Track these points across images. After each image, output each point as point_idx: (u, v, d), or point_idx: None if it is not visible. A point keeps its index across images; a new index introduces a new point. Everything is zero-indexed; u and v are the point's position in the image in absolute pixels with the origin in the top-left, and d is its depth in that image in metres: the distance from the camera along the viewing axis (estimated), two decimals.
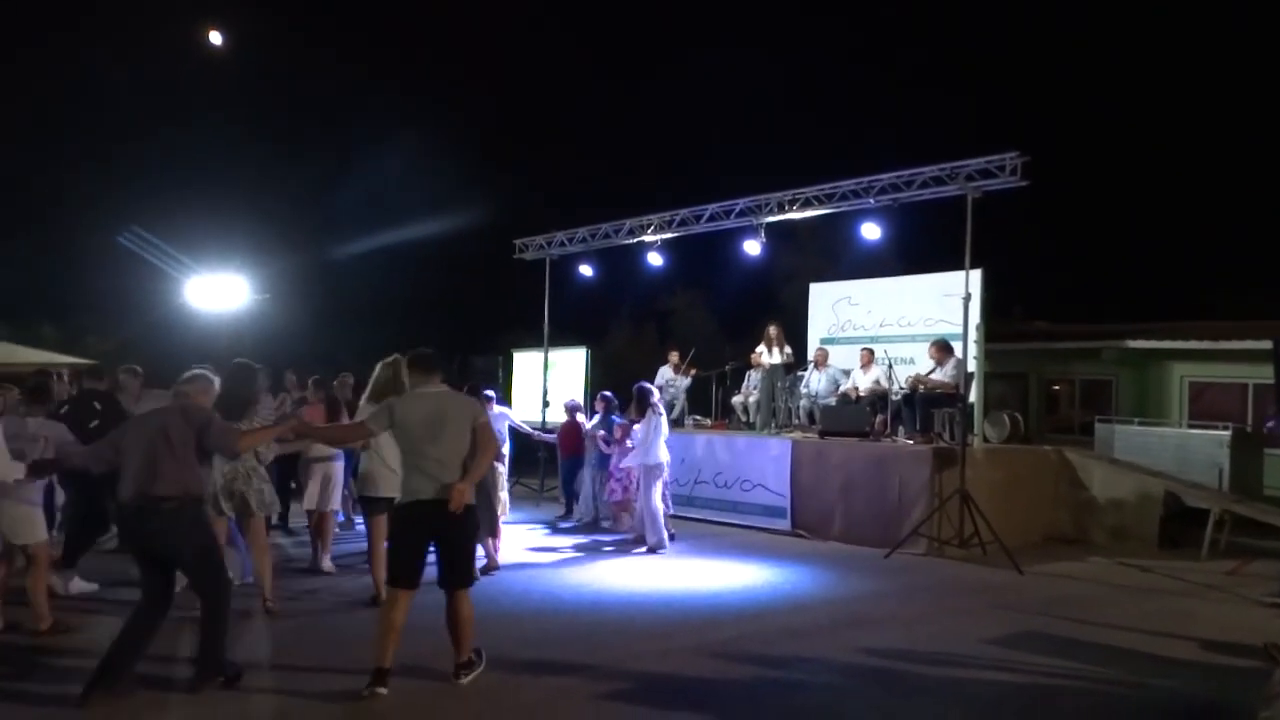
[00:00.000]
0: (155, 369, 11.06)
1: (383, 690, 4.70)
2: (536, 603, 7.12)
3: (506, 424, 10.90)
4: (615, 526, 10.83)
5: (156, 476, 4.65)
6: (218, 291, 19.58)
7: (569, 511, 11.87)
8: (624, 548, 9.70)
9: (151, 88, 35.93)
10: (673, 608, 7.03)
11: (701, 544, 9.92)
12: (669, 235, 13.92)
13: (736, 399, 13.88)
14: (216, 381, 5.29)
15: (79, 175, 32.99)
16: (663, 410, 10.02)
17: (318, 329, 27.83)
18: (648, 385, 10.18)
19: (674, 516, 10.43)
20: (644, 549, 9.51)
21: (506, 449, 10.48)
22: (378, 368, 6.84)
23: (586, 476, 11.47)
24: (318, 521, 8.10)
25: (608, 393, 11.50)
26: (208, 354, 14.20)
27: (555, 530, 11.04)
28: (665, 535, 9.66)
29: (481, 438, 4.95)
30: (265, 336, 23.02)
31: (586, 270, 15.69)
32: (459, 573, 4.93)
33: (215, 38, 25.37)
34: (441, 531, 4.84)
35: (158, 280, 22.89)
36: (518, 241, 16.15)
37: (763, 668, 5.56)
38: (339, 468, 8.18)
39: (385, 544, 6.78)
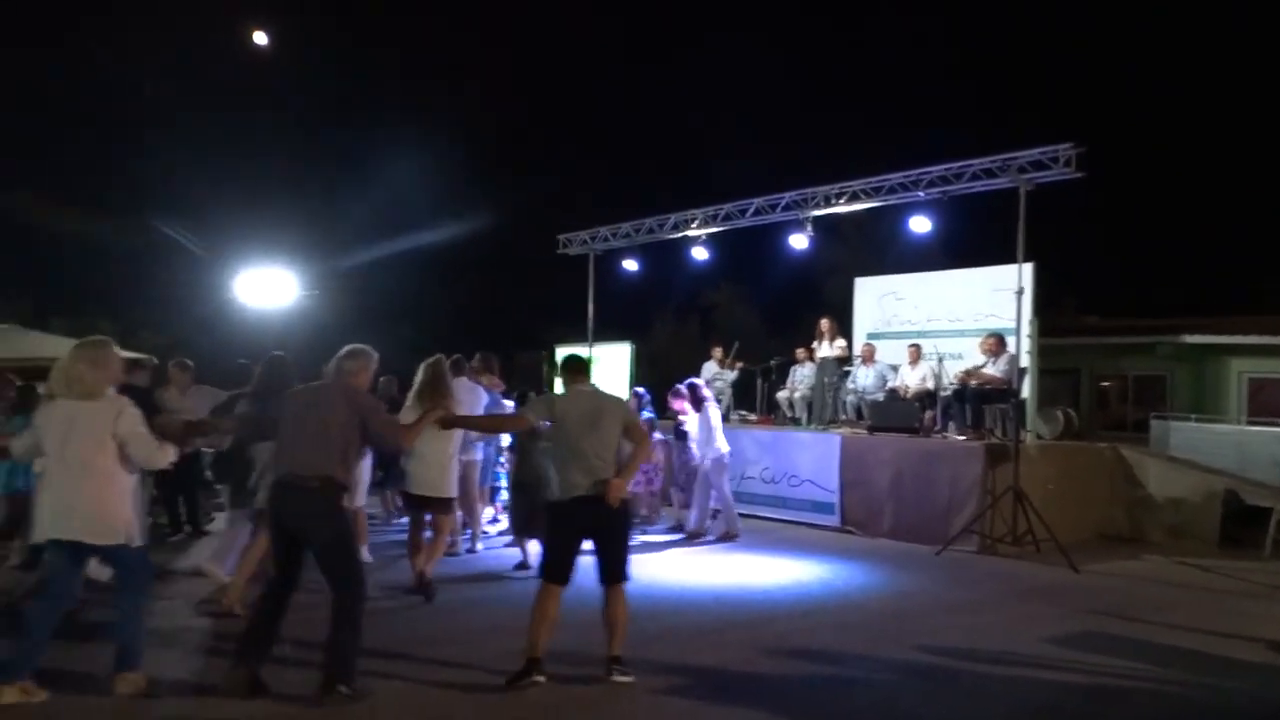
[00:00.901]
0: (205, 363, 11.26)
1: (541, 678, 4.82)
2: (585, 597, 7.13)
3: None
4: (648, 520, 10.75)
5: (303, 455, 4.66)
6: (266, 288, 19.87)
7: None
8: (670, 543, 9.71)
9: (201, 88, 36.56)
10: (724, 603, 7.02)
11: (750, 539, 9.88)
12: (714, 230, 13.88)
13: (782, 394, 13.80)
14: (375, 358, 5.14)
15: (131, 173, 33.69)
16: (714, 402, 10.08)
17: (362, 325, 28.04)
18: (696, 380, 10.27)
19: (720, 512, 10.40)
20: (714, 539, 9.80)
21: None
22: (421, 368, 6.95)
23: None
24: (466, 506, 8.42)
25: (640, 389, 11.61)
26: (256, 349, 14.42)
27: None
28: (708, 523, 9.97)
29: (636, 435, 5.15)
30: (312, 333, 23.34)
31: (631, 265, 15.66)
32: (615, 567, 5.02)
33: (260, 38, 25.69)
34: (597, 527, 4.97)
35: (208, 276, 23.36)
36: (561, 236, 16.20)
37: (818, 664, 5.53)
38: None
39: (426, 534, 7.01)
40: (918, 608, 7.12)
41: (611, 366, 15.96)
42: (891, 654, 5.74)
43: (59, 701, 4.47)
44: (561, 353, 17.05)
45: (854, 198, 12.12)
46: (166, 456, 4.77)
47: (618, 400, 5.29)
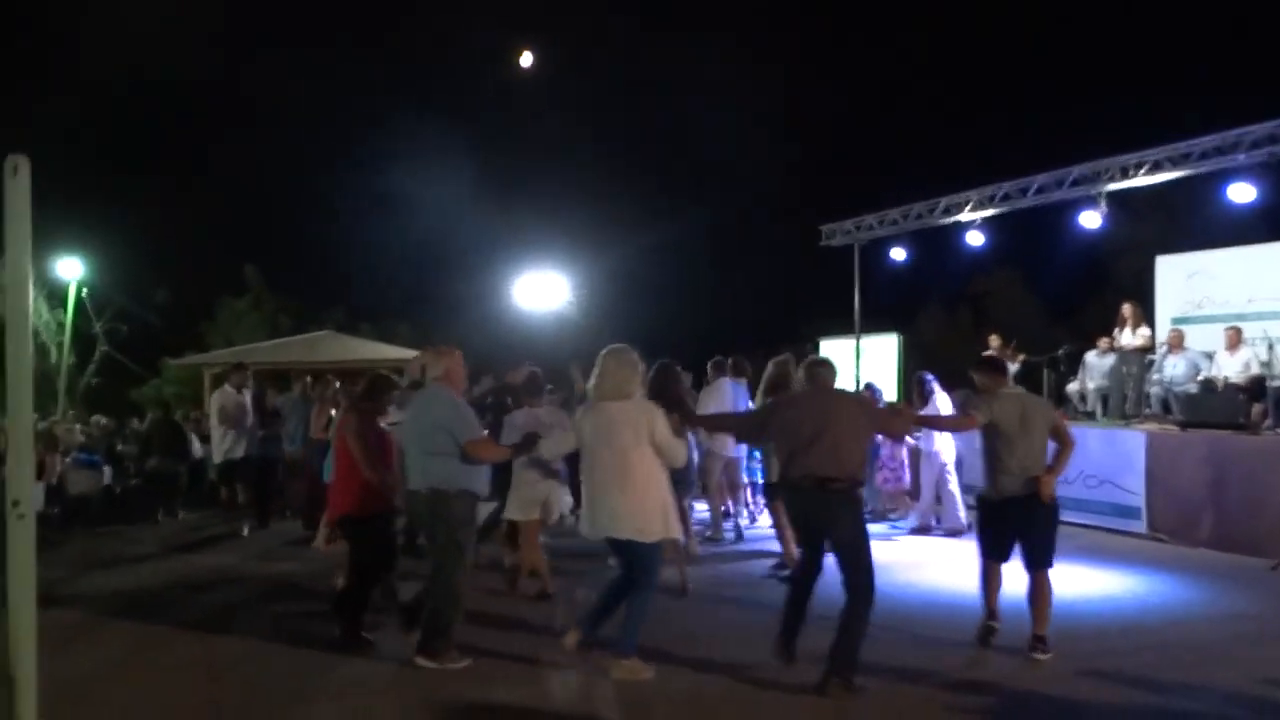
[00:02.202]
0: (486, 364, 12.04)
1: (995, 625, 5.66)
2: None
3: None
4: (897, 515, 10.65)
5: (829, 458, 4.88)
6: (541, 290, 21.03)
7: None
8: (933, 544, 9.19)
9: (478, 103, 39.33)
10: (1023, 615, 6.43)
11: None
12: (990, 212, 12.98)
13: (1072, 386, 12.71)
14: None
15: (419, 183, 36.82)
16: (943, 398, 9.98)
17: (629, 323, 29.07)
18: (925, 374, 9.91)
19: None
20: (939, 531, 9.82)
21: None
22: (770, 365, 7.65)
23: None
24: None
25: (872, 383, 11.60)
26: (532, 349, 15.24)
27: None
28: (932, 520, 9.99)
29: (1062, 437, 5.55)
30: (581, 332, 24.43)
31: (899, 254, 15.02)
32: (1041, 554, 5.44)
33: (527, 58, 27.13)
34: (1026, 521, 5.41)
35: (490, 280, 25.08)
36: (824, 228, 15.83)
37: (1143, 692, 4.94)
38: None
39: None
40: (1256, 632, 6.20)
41: (878, 359, 15.43)
42: (1236, 685, 5.00)
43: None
44: (826, 347, 16.74)
45: (1156, 167, 10.88)
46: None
47: (1043, 402, 5.80)
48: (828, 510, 4.92)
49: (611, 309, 29.50)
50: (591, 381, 5.14)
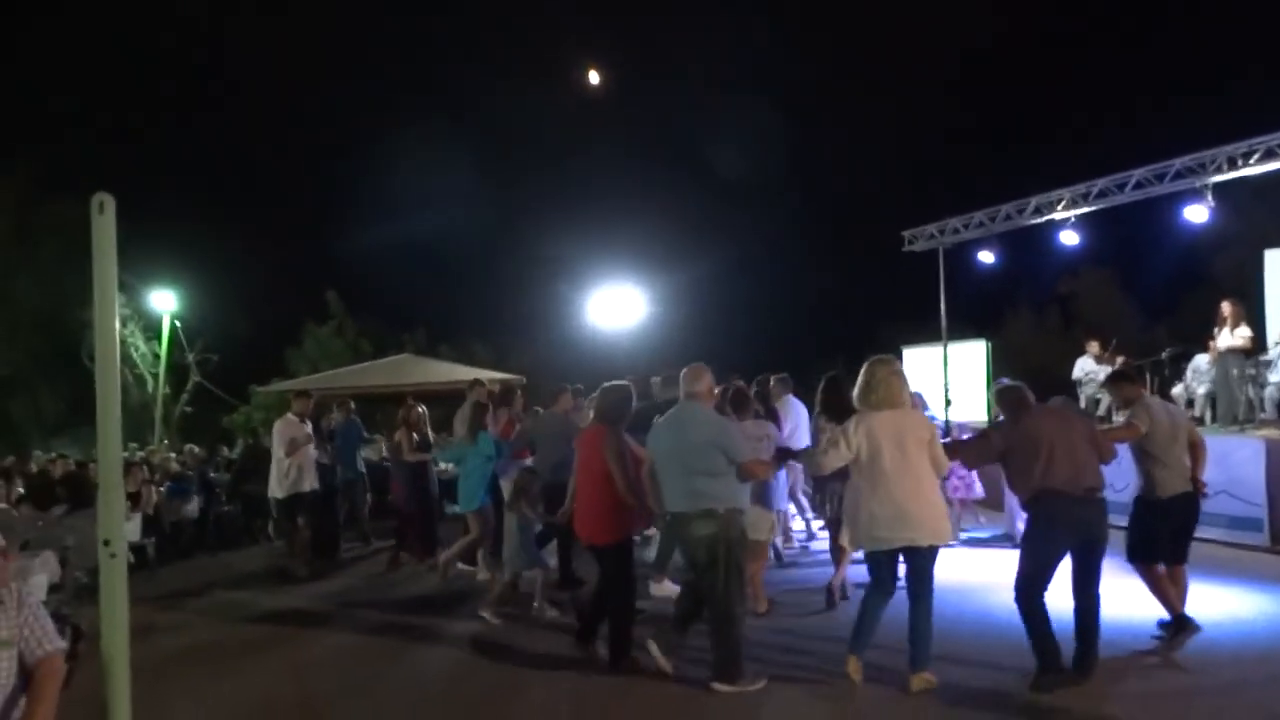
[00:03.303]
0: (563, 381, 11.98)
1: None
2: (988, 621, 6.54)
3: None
4: (972, 524, 10.51)
5: (1086, 468, 5.13)
6: (617, 306, 20.95)
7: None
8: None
9: (547, 123, 39.64)
10: (1135, 634, 6.00)
11: None
12: (1085, 210, 12.41)
13: (1177, 390, 12.05)
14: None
15: (488, 205, 37.25)
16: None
17: (704, 336, 28.87)
18: (1005, 382, 9.53)
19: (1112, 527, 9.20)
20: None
21: None
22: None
23: None
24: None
25: (917, 391, 11.29)
26: (610, 366, 15.16)
27: None
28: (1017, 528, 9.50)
29: (1196, 435, 6.08)
30: (657, 345, 24.31)
31: (987, 257, 14.48)
32: (1187, 548, 5.95)
33: (594, 77, 27.22)
34: (1186, 515, 5.87)
35: (564, 299, 25.15)
36: (906, 233, 15.38)
37: None
38: None
39: None
40: None
41: (964, 366, 14.91)
42: None
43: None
44: (910, 355, 16.26)
45: (1269, 155, 10.23)
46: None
47: (1179, 409, 6.04)
48: (1103, 518, 5.19)
49: (686, 322, 29.36)
50: (855, 392, 5.24)
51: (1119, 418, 12.09)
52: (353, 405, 11.26)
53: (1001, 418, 5.78)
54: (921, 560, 5.03)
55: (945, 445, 5.41)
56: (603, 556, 5.72)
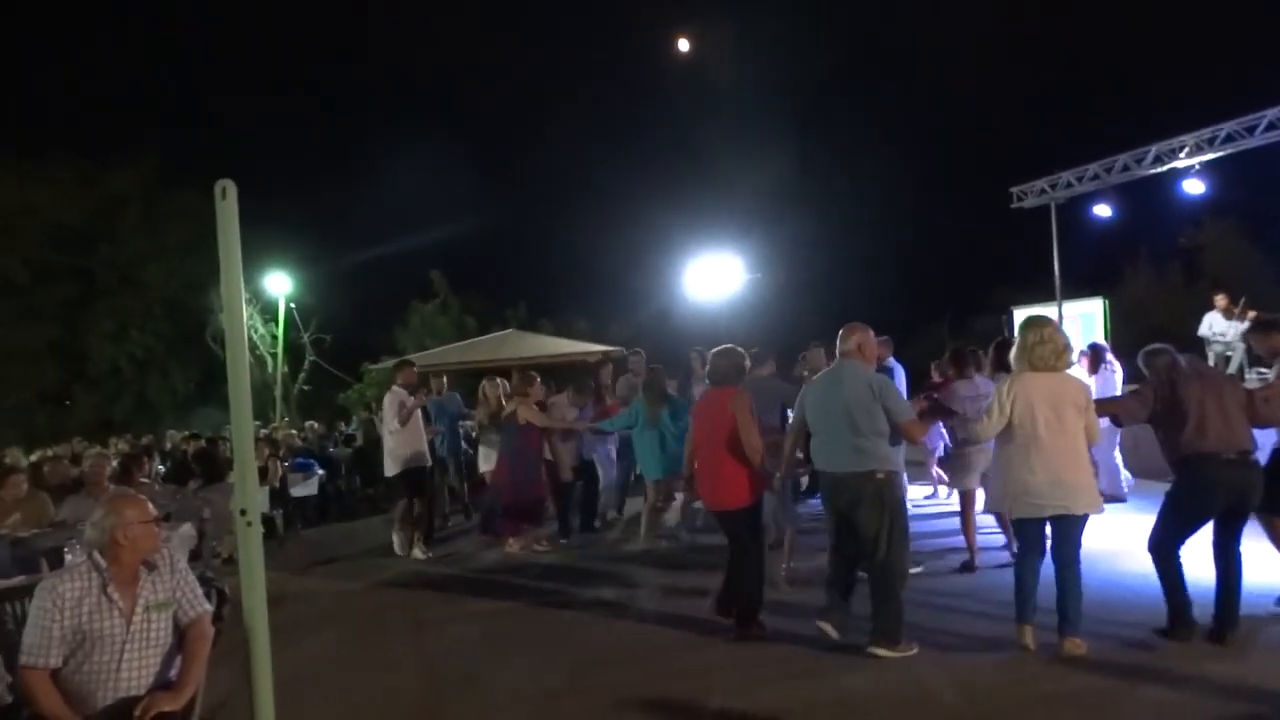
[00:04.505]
0: (660, 355, 11.98)
1: None
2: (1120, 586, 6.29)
3: None
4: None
5: (1238, 430, 4.98)
6: (715, 275, 20.80)
7: None
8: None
9: (636, 93, 39.56)
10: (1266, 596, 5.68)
11: None
12: (1210, 156, 11.71)
13: None
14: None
15: (589, 180, 37.45)
16: (1116, 368, 9.39)
17: (806, 302, 28.47)
18: (1100, 341, 9.12)
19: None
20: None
21: None
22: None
23: None
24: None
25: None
26: (711, 336, 15.09)
27: None
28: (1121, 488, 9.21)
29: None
30: (758, 313, 24.11)
31: (1104, 210, 13.83)
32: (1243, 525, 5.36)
33: (684, 44, 26.89)
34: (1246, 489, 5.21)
35: (662, 269, 25.14)
36: (1014, 190, 14.82)
37: None
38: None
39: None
40: None
41: (1080, 326, 14.31)
42: None
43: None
44: (1021, 315, 15.69)
45: None
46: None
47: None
48: (1256, 481, 4.98)
49: (787, 288, 28.99)
50: (1013, 352, 5.10)
51: (1252, 376, 11.52)
52: (445, 379, 11.18)
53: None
54: (1072, 528, 4.90)
55: (1096, 402, 5.21)
56: (734, 521, 5.61)
